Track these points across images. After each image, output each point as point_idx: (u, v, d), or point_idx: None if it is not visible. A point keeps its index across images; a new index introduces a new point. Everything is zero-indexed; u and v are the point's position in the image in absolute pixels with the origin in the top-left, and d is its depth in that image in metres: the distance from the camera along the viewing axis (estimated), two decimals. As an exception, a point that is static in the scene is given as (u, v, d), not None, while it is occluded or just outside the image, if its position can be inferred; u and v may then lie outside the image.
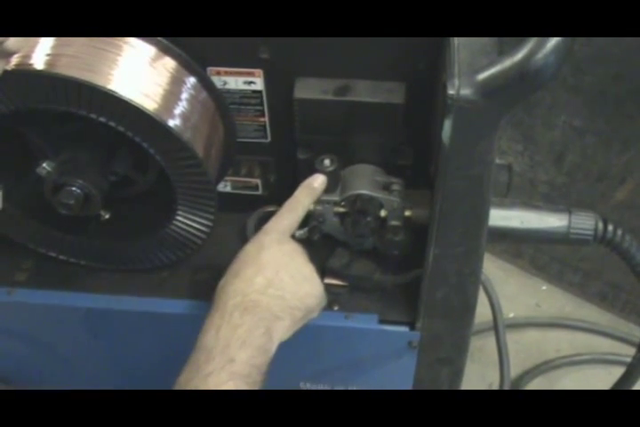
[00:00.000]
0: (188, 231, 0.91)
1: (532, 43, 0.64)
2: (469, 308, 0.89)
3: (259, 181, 1.01)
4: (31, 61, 0.78)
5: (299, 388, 1.01)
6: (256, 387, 0.72)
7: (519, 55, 0.64)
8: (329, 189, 0.89)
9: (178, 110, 0.83)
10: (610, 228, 0.86)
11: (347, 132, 0.90)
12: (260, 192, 1.02)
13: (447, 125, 0.69)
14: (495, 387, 1.44)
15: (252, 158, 0.98)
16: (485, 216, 0.79)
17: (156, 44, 0.83)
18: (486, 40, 0.72)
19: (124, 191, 0.96)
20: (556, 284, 1.73)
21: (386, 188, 0.90)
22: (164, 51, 0.83)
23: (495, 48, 0.72)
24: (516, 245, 1.72)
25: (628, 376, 1.03)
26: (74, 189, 0.85)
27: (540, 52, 0.63)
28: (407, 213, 0.89)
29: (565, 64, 0.66)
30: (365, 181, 0.90)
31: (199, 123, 0.86)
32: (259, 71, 0.87)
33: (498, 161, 0.76)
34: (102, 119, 0.79)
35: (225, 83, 0.89)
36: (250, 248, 0.82)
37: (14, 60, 0.76)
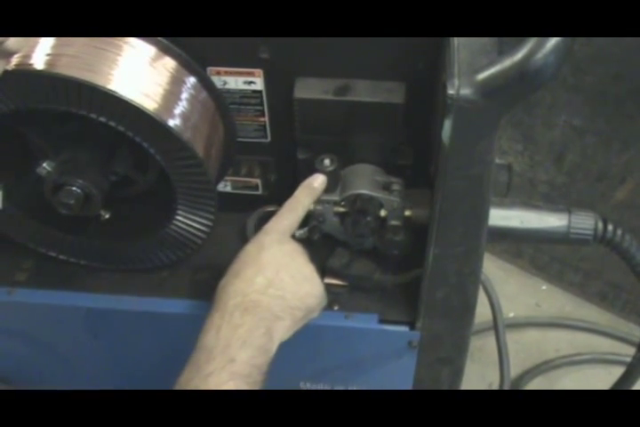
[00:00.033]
0: (188, 231, 0.91)
1: (531, 43, 0.64)
2: (469, 307, 0.89)
3: (259, 181, 1.01)
4: (31, 61, 0.78)
5: (299, 388, 1.01)
6: (256, 387, 0.73)
7: (519, 55, 0.64)
8: (329, 188, 0.89)
9: (178, 110, 0.83)
10: (610, 227, 0.86)
11: (347, 131, 0.90)
12: (260, 192, 1.02)
13: (447, 125, 0.69)
14: (495, 387, 1.44)
15: (252, 158, 0.98)
16: (485, 216, 0.79)
17: (156, 44, 0.83)
18: (486, 40, 0.72)
19: (124, 191, 0.96)
20: (556, 284, 1.73)
21: (386, 187, 0.90)
22: (164, 51, 0.83)
23: (495, 48, 0.72)
24: (516, 244, 1.72)
25: (627, 376, 1.03)
26: (74, 188, 0.85)
27: (539, 52, 0.63)
28: (407, 212, 0.89)
29: (565, 64, 0.66)
30: (365, 180, 0.90)
31: (199, 123, 0.86)
32: (259, 71, 0.87)
33: (498, 161, 0.76)
34: (102, 119, 0.79)
35: (225, 83, 0.89)
36: (250, 248, 0.82)
37: (14, 59, 0.76)
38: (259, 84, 0.89)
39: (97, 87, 0.77)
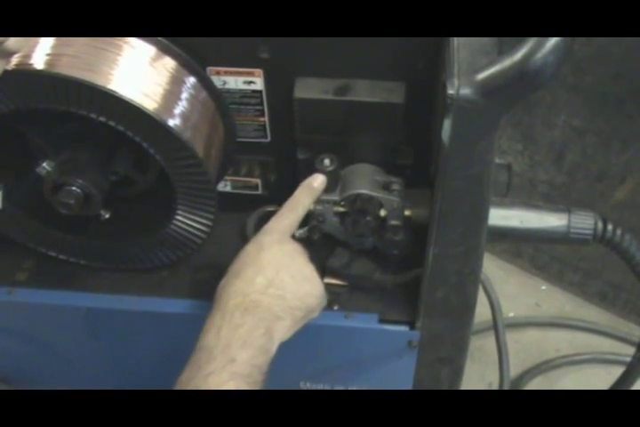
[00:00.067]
0: (188, 231, 0.91)
1: (531, 42, 0.64)
2: (469, 307, 0.89)
3: (259, 181, 1.01)
4: (31, 61, 0.78)
5: (299, 387, 1.01)
6: (257, 387, 0.73)
7: (519, 55, 0.64)
8: (329, 188, 0.89)
9: (178, 110, 0.83)
10: (609, 227, 0.87)
11: (346, 131, 0.90)
12: (259, 192, 1.02)
13: (447, 125, 0.69)
14: (495, 386, 1.44)
15: (252, 158, 0.98)
16: (485, 216, 0.79)
17: (156, 44, 0.83)
18: (486, 40, 0.72)
19: (124, 191, 0.96)
20: (556, 283, 1.73)
21: (386, 187, 0.90)
22: (164, 50, 0.83)
23: (495, 48, 0.72)
24: (516, 244, 1.72)
25: (627, 376, 1.03)
26: (74, 188, 0.85)
27: (539, 52, 0.63)
28: (407, 212, 0.89)
29: (565, 64, 0.66)
30: (365, 180, 0.90)
31: (199, 122, 0.86)
32: (259, 71, 0.87)
33: (497, 161, 0.76)
34: (102, 119, 0.79)
35: (225, 82, 0.89)
36: (250, 248, 0.82)
37: (14, 59, 0.76)
38: (259, 83, 0.89)
39: (97, 87, 0.77)
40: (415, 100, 0.86)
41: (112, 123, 0.80)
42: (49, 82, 0.77)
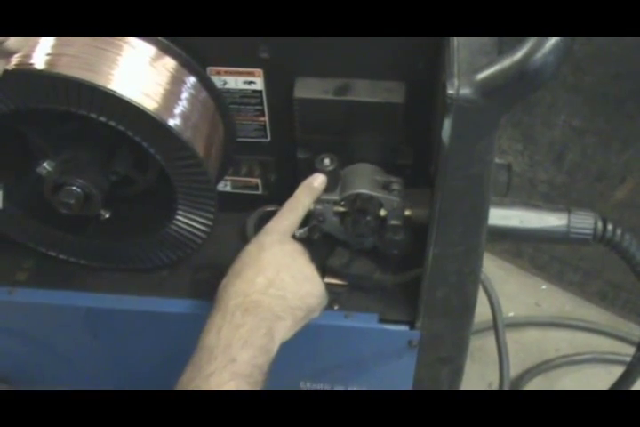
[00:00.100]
0: (189, 231, 0.91)
1: (531, 42, 0.64)
2: (469, 307, 0.89)
3: (259, 181, 1.01)
4: (32, 61, 0.78)
5: (299, 387, 1.01)
6: (257, 387, 0.73)
7: (519, 55, 0.64)
8: (329, 188, 0.89)
9: (178, 110, 0.83)
10: (609, 227, 0.87)
11: (346, 131, 0.90)
12: (260, 192, 1.02)
13: (447, 125, 0.69)
14: (495, 386, 1.44)
15: (252, 158, 0.98)
16: (485, 215, 0.79)
17: (157, 44, 0.83)
18: (486, 40, 0.72)
19: (124, 191, 0.96)
20: (556, 283, 1.73)
21: (386, 187, 0.90)
22: (165, 50, 0.83)
23: (495, 48, 0.72)
24: (516, 244, 1.72)
25: (627, 376, 1.03)
26: (74, 188, 0.85)
27: (539, 52, 0.63)
28: (407, 212, 0.89)
29: (565, 63, 0.66)
30: (365, 180, 0.90)
31: (199, 122, 0.86)
32: (259, 71, 0.87)
33: (497, 160, 0.76)
34: (102, 119, 0.79)
35: (225, 82, 0.89)
36: (251, 249, 0.82)
37: (15, 59, 0.76)
38: (259, 83, 0.89)
39: (97, 87, 0.77)
40: (415, 100, 0.86)
41: (112, 123, 0.80)
42: (49, 82, 0.77)
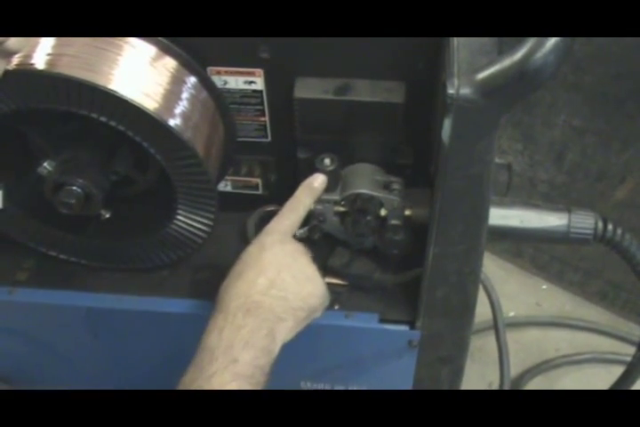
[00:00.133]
0: (189, 231, 0.92)
1: (531, 42, 0.64)
2: (469, 307, 0.89)
3: (259, 181, 1.01)
4: (32, 61, 0.78)
5: (299, 387, 1.01)
6: (259, 387, 0.73)
7: (519, 55, 0.64)
8: (329, 188, 0.89)
9: (178, 110, 0.83)
10: (610, 227, 0.87)
11: (347, 131, 0.90)
12: (260, 192, 1.02)
13: (447, 125, 0.69)
14: (495, 386, 1.44)
15: (253, 158, 0.98)
16: (485, 215, 0.79)
17: (157, 44, 0.83)
18: (486, 40, 0.72)
19: (124, 191, 0.96)
20: (557, 283, 1.73)
21: (386, 187, 0.90)
22: (165, 50, 0.84)
23: (495, 48, 0.72)
24: (516, 244, 1.72)
25: (627, 375, 1.03)
26: (74, 188, 0.85)
27: (539, 52, 0.63)
28: (407, 212, 0.89)
29: (565, 63, 0.66)
30: (365, 180, 0.90)
31: (199, 122, 0.86)
32: (259, 71, 0.87)
33: (497, 160, 0.76)
34: (103, 119, 0.79)
35: (225, 82, 0.89)
36: (252, 249, 0.82)
37: (15, 59, 0.76)
38: (259, 83, 0.89)
39: (97, 87, 0.77)
40: (415, 100, 0.86)
41: (113, 123, 0.80)
42: (50, 82, 0.78)
